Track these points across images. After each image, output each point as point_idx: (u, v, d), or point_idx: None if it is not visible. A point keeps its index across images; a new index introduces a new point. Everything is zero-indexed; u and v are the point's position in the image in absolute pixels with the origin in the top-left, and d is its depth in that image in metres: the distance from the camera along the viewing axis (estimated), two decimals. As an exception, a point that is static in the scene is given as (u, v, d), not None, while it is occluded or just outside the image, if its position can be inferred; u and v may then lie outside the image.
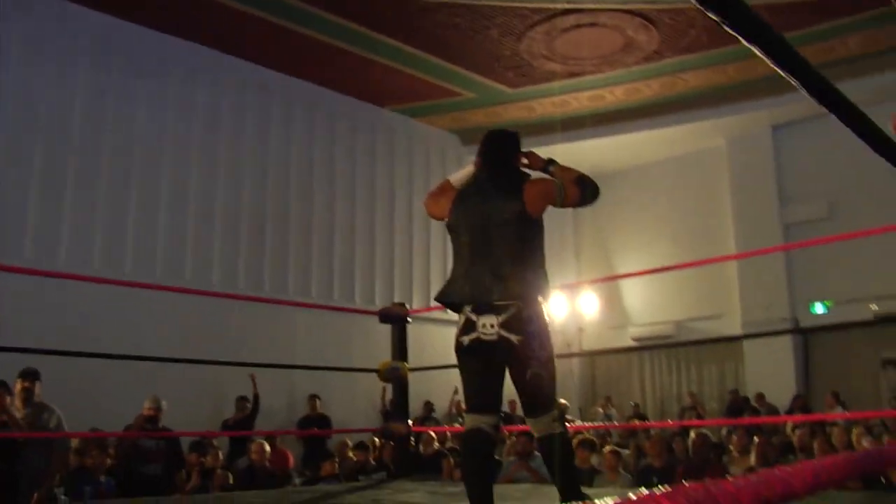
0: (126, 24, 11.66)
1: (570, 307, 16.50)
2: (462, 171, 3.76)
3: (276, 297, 12.32)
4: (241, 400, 11.10)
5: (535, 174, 3.57)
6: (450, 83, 13.87)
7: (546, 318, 3.35)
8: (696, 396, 14.60)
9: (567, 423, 3.56)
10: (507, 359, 3.31)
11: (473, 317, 3.30)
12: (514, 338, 3.23)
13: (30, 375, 6.39)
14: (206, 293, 11.13)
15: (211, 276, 12.02)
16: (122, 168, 11.48)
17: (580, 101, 14.61)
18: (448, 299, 3.45)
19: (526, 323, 3.24)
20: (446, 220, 3.54)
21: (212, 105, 12.61)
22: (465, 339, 3.33)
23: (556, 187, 3.47)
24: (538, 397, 3.31)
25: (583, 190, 3.49)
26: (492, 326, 3.24)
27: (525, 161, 3.63)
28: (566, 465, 3.35)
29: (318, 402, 12.07)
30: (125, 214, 11.45)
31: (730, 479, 1.00)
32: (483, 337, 3.26)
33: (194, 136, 12.33)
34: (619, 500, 0.91)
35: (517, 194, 3.40)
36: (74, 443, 7.45)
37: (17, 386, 6.29)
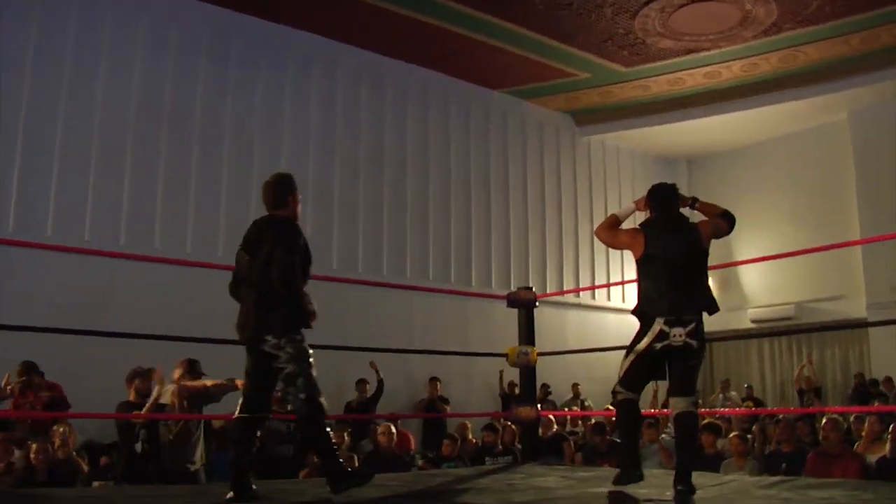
0: (243, 17, 12.00)
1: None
2: (625, 209, 4.84)
3: (394, 281, 12.54)
4: (362, 382, 11.36)
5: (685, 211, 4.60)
6: (563, 64, 13.80)
7: None
8: (810, 378, 14.15)
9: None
10: (680, 357, 4.34)
11: (666, 328, 4.29)
12: (694, 343, 4.30)
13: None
14: (325, 278, 11.37)
15: (331, 262, 12.30)
16: (244, 158, 11.84)
17: (695, 78, 14.37)
18: (645, 314, 4.40)
19: (701, 332, 4.33)
20: (639, 250, 4.47)
21: (327, 93, 12.89)
22: (658, 345, 4.32)
23: (714, 226, 4.49)
24: (688, 384, 4.36)
25: (729, 223, 4.52)
26: (680, 336, 4.26)
27: None
28: (691, 439, 4.43)
29: (438, 384, 12.28)
30: (247, 204, 11.77)
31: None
32: (673, 343, 4.28)
33: (311, 124, 12.62)
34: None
35: (697, 234, 4.42)
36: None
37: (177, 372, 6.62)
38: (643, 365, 4.42)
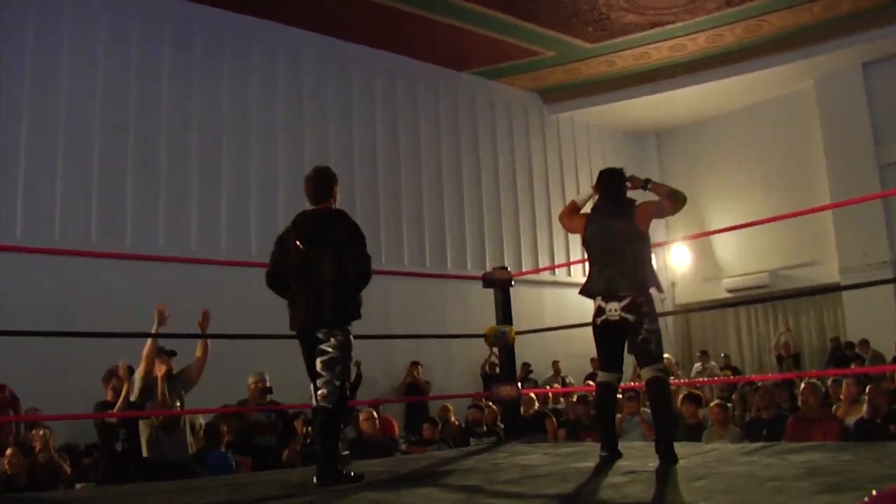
0: (205, 8, 11.90)
1: (661, 261, 16.40)
2: (583, 195, 5.09)
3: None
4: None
5: (637, 193, 4.82)
6: (529, 42, 13.80)
7: (653, 303, 4.63)
8: (788, 343, 14.31)
9: (670, 377, 4.96)
10: (625, 332, 4.59)
11: (603, 304, 4.62)
12: (630, 317, 4.54)
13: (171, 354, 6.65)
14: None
15: (305, 250, 12.23)
16: (212, 147, 11.76)
17: (661, 51, 14.40)
18: (587, 293, 4.75)
19: (638, 307, 4.54)
20: (582, 235, 4.86)
21: (294, 81, 12.80)
22: (598, 320, 4.67)
23: (655, 207, 4.70)
24: (647, 354, 4.57)
25: (674, 202, 4.69)
26: (615, 311, 4.55)
27: (629, 185, 4.85)
28: (663, 403, 4.61)
29: (419, 367, 12.28)
30: (218, 193, 11.73)
31: None
32: (610, 318, 4.60)
33: (278, 113, 12.55)
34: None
35: (630, 217, 4.67)
36: (199, 419, 7.69)
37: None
38: (600, 340, 4.75)
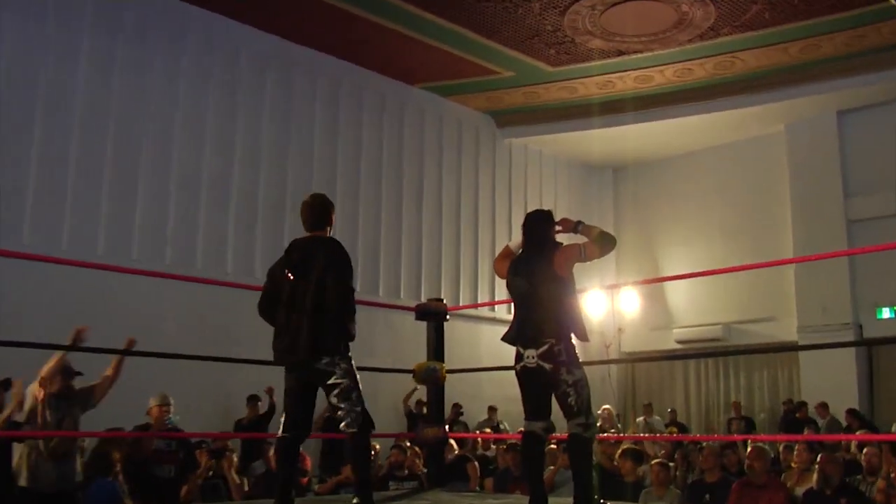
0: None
1: (609, 305, 16.47)
2: (517, 240, 5.12)
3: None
4: (253, 399, 11.17)
5: (568, 236, 4.86)
6: (486, 60, 13.83)
7: (575, 351, 4.66)
8: (736, 403, 14.54)
9: (595, 431, 4.83)
10: (544, 380, 4.65)
11: (521, 350, 4.69)
12: (547, 365, 4.60)
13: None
14: (219, 283, 11.19)
15: (225, 265, 12.07)
16: (132, 147, 11.50)
17: (626, 81, 14.54)
18: (508, 339, 4.83)
19: (556, 355, 4.59)
20: (506, 280, 4.97)
21: (228, 80, 12.64)
22: (518, 367, 4.75)
23: (578, 250, 4.75)
24: (567, 408, 4.63)
25: (601, 247, 4.77)
26: (532, 357, 4.62)
27: (559, 228, 4.94)
28: (578, 461, 4.70)
29: (337, 402, 12.12)
30: (133, 197, 11.47)
31: None
32: (527, 365, 4.66)
33: (209, 113, 12.36)
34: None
35: (549, 262, 4.75)
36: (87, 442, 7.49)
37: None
38: (523, 387, 4.81)
